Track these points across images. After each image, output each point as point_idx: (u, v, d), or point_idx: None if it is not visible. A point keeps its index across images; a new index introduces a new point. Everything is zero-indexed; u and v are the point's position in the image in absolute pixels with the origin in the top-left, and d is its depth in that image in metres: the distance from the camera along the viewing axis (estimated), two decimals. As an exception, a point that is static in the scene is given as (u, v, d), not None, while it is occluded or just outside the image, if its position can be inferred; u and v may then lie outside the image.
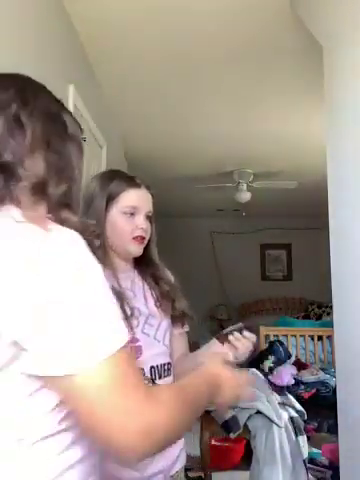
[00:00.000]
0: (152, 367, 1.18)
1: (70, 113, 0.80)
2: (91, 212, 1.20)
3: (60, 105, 0.78)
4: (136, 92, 3.33)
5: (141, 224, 1.22)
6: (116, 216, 1.22)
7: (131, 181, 1.25)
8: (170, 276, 1.34)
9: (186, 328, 1.34)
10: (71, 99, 2.43)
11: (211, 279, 7.15)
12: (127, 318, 1.11)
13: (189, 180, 5.25)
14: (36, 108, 0.71)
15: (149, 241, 1.29)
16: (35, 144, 0.69)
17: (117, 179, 1.25)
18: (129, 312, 1.13)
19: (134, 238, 1.22)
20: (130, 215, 1.22)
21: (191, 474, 2.80)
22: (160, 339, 1.23)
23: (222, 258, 7.26)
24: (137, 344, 1.16)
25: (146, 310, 1.22)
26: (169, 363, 1.24)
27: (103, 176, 1.30)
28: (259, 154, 4.57)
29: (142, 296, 1.24)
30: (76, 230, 0.65)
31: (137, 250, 1.24)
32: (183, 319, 1.30)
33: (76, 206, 0.75)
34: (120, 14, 2.43)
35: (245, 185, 5.10)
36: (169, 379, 1.21)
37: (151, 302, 1.25)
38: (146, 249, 1.28)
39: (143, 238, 1.24)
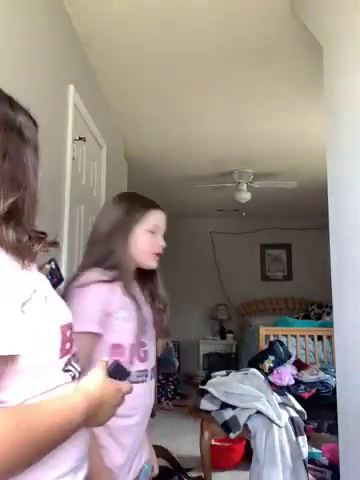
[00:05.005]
0: (152, 369, 1.34)
1: (24, 111, 0.77)
2: (117, 231, 1.34)
3: (16, 106, 0.76)
4: (136, 92, 3.34)
5: (162, 242, 1.39)
6: (140, 234, 1.36)
7: (153, 203, 1.42)
8: (164, 293, 1.46)
9: (163, 342, 1.50)
10: (71, 99, 2.43)
11: (211, 279, 7.15)
12: (144, 324, 1.28)
13: (189, 180, 5.24)
14: None
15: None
16: None
17: (140, 201, 1.42)
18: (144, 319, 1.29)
19: (154, 254, 1.38)
20: (152, 233, 1.37)
21: (191, 474, 2.80)
22: (154, 345, 1.38)
23: (222, 258, 7.26)
24: (145, 348, 1.31)
25: (148, 318, 1.35)
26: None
27: (125, 198, 1.46)
28: (259, 154, 4.57)
29: (144, 306, 1.36)
30: (9, 246, 0.67)
31: (156, 264, 1.40)
32: (165, 334, 1.45)
33: (30, 212, 0.75)
34: (120, 14, 2.43)
35: (245, 185, 5.09)
36: (154, 380, 1.36)
37: (149, 312, 1.38)
38: None
39: (160, 254, 1.40)
